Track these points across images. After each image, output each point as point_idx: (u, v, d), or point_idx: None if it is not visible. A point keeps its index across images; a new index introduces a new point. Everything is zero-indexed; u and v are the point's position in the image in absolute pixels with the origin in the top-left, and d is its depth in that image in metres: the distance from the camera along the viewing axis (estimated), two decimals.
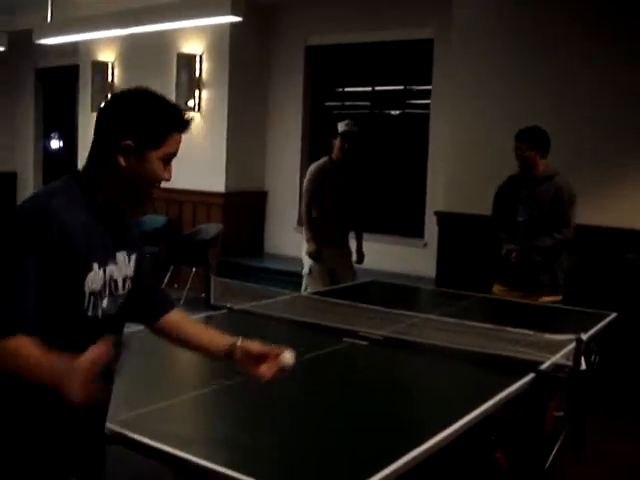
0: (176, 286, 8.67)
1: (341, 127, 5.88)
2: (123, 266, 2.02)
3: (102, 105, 2.01)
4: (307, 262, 5.91)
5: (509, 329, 3.50)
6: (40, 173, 12.48)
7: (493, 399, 2.64)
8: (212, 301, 4.05)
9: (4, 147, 12.30)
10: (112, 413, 2.12)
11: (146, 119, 1.92)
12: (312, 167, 6.01)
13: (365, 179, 6.35)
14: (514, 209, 4.90)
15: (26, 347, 1.71)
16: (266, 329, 3.84)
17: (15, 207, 1.90)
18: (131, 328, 3.48)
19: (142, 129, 1.91)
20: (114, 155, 1.91)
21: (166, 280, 8.51)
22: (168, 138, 1.95)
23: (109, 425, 2.16)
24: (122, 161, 1.90)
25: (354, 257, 6.17)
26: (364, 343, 3.41)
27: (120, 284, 2.00)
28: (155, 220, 9.26)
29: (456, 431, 2.35)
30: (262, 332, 3.82)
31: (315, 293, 4.76)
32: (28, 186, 12.33)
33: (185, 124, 1.99)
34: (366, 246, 6.38)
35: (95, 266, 1.89)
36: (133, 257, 2.07)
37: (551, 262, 4.87)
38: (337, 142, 5.88)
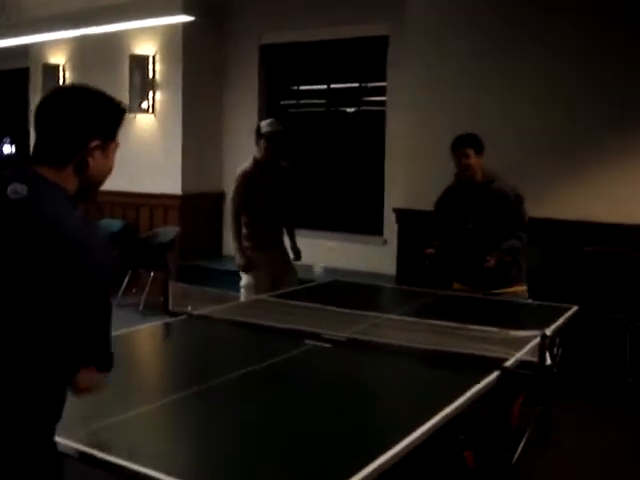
0: (134, 291, 8.55)
1: (264, 128, 5.56)
2: None
3: (43, 106, 1.99)
4: (244, 274, 5.63)
5: (472, 327, 3.48)
6: None
7: (460, 399, 2.60)
8: (170, 307, 3.96)
9: None
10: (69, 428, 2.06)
11: (104, 115, 2.00)
12: (237, 174, 5.71)
13: (294, 176, 6.07)
14: (462, 218, 4.86)
15: None
16: (226, 334, 3.78)
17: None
18: None
19: (104, 126, 1.99)
20: (83, 157, 1.94)
21: (124, 285, 8.40)
22: (119, 128, 2.04)
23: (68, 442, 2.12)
24: (91, 161, 1.95)
25: (291, 255, 5.93)
26: (327, 345, 3.36)
27: None
28: (111, 224, 9.12)
29: (425, 433, 2.30)
30: (222, 337, 3.78)
31: (275, 295, 4.69)
32: None
33: (125, 111, 2.09)
34: (325, 244, 6.30)
35: None
36: None
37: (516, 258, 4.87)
38: (261, 143, 5.58)
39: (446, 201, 5.02)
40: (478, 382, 2.82)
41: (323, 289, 5.18)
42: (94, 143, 1.94)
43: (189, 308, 3.95)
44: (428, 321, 3.67)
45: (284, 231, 5.94)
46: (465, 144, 4.79)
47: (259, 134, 5.57)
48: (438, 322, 3.59)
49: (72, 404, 2.33)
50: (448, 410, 2.49)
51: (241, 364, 3.06)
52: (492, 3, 6.46)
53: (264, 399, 2.71)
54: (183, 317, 3.89)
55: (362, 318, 3.81)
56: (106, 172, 2.03)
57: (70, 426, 2.22)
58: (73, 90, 2.05)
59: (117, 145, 2.04)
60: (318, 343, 3.38)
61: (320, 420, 2.51)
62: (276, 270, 5.65)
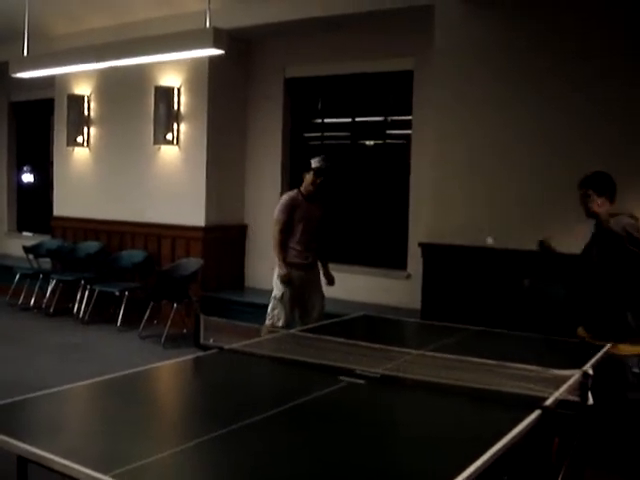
0: (156, 322, 8.51)
1: (315, 163, 6.19)
2: None
3: None
4: (278, 286, 6.23)
5: (509, 364, 3.42)
6: (14, 207, 12.34)
7: (505, 438, 2.54)
8: (202, 340, 3.93)
9: None
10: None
11: None
12: (284, 197, 6.37)
13: (333, 210, 6.69)
14: (589, 261, 4.65)
15: None
16: (260, 369, 3.74)
17: None
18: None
19: None
20: None
21: (146, 317, 8.37)
22: None
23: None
24: None
25: (324, 281, 6.47)
26: (362, 382, 3.31)
27: None
28: (133, 255, 9.13)
29: (473, 473, 2.24)
30: (255, 372, 3.74)
31: (306, 330, 4.66)
32: (2, 219, 12.19)
33: None
34: (349, 278, 6.44)
35: None
36: None
37: None
38: (309, 177, 6.21)
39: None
40: (520, 421, 2.76)
41: (352, 324, 5.13)
42: None
43: (211, 340, 3.92)
44: (463, 358, 3.60)
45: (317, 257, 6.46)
46: (584, 185, 4.56)
47: (308, 168, 6.20)
48: (474, 359, 3.53)
49: (108, 442, 2.31)
50: (494, 450, 2.44)
51: (277, 401, 3.02)
52: (519, 42, 6.47)
53: (303, 438, 2.66)
54: (214, 351, 3.85)
55: (395, 354, 3.75)
56: None
57: (107, 464, 2.20)
58: None
59: None
60: (352, 379, 3.33)
61: (364, 461, 2.45)
62: (306, 289, 6.28)
